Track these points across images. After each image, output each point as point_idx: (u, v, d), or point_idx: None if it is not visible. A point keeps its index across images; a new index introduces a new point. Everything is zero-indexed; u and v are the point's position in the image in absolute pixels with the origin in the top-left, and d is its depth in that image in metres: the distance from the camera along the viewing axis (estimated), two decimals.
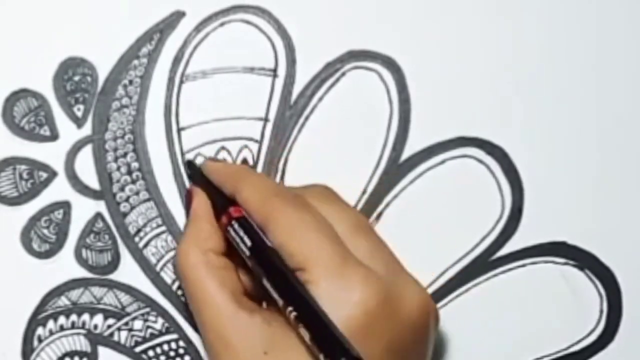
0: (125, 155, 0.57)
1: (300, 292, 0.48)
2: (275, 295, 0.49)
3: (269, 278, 0.50)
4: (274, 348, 0.49)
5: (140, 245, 0.57)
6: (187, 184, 0.57)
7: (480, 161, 0.58)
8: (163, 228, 0.57)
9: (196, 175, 0.56)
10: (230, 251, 0.53)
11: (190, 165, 0.57)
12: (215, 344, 0.50)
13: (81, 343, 0.57)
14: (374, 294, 0.49)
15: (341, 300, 0.48)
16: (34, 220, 0.57)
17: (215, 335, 0.50)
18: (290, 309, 0.48)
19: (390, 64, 0.57)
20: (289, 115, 0.57)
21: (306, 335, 0.47)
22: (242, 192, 0.52)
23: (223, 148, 0.57)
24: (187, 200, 0.55)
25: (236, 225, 0.52)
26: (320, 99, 0.57)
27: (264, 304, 0.53)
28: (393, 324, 0.49)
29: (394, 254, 0.53)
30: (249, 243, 0.51)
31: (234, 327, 0.50)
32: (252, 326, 0.50)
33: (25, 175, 0.57)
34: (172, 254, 0.57)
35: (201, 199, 0.54)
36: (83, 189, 0.57)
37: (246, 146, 0.57)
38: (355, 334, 0.47)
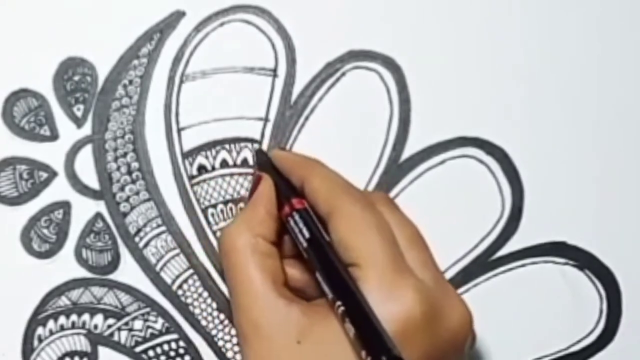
0: (125, 155, 0.57)
1: (352, 287, 0.49)
2: (326, 288, 0.49)
3: (323, 271, 0.50)
4: (308, 339, 0.49)
5: (140, 245, 0.57)
6: (187, 183, 0.57)
7: (480, 161, 0.58)
8: (163, 228, 0.57)
9: (265, 164, 0.56)
10: (280, 243, 0.53)
11: (259, 153, 0.57)
12: (248, 328, 0.50)
13: (81, 343, 0.57)
14: (420, 304, 0.49)
15: (388, 303, 0.49)
16: (34, 220, 0.57)
17: (249, 320, 0.50)
18: (339, 303, 0.48)
19: (390, 64, 0.57)
20: (289, 115, 0.57)
21: (351, 331, 0.48)
22: (312, 181, 0.52)
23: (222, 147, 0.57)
24: (254, 185, 0.55)
25: (297, 216, 0.52)
26: (321, 99, 0.57)
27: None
28: (433, 336, 0.50)
29: (442, 273, 0.53)
30: (307, 235, 0.51)
31: (270, 313, 0.50)
32: (288, 315, 0.50)
33: (25, 175, 0.57)
34: (172, 254, 0.57)
35: (267, 186, 0.54)
36: (83, 189, 0.57)
37: (246, 146, 0.57)
38: (396, 338, 0.48)
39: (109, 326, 0.57)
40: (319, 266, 0.50)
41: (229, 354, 0.57)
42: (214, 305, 0.57)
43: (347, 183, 0.54)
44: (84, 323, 0.57)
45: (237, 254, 0.51)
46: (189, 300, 0.57)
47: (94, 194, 0.57)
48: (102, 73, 0.57)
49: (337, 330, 0.49)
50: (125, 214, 0.57)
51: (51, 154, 0.57)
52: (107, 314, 0.57)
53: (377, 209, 0.52)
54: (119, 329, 0.57)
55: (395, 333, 0.48)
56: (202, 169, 0.57)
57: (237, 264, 0.51)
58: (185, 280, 0.57)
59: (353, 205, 0.51)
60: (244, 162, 0.57)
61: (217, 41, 0.57)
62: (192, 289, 0.57)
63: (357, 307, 0.48)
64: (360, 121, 0.57)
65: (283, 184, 0.54)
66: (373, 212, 0.51)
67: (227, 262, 0.52)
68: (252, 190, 0.55)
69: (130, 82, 0.57)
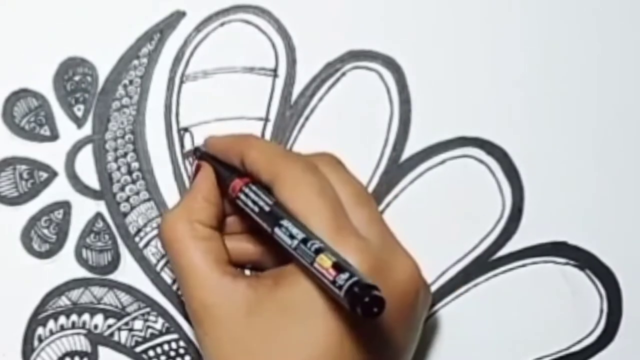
0: (125, 155, 0.57)
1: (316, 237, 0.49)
2: (287, 251, 0.49)
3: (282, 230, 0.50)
4: (257, 311, 0.49)
5: (141, 245, 0.57)
6: (188, 183, 0.57)
7: (481, 161, 0.58)
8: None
9: (203, 157, 0.56)
10: (221, 227, 0.54)
11: (196, 151, 0.56)
12: (198, 310, 0.51)
13: (81, 343, 0.57)
14: (364, 262, 0.49)
15: None
16: (34, 220, 0.57)
17: (198, 301, 0.51)
18: (309, 252, 0.48)
19: (390, 64, 0.57)
20: (289, 115, 0.57)
21: (321, 282, 0.47)
22: (250, 154, 0.53)
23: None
24: (193, 175, 0.55)
25: (242, 196, 0.52)
26: (321, 99, 0.57)
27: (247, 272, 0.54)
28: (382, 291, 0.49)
29: (389, 228, 0.53)
30: (256, 209, 0.51)
31: (216, 292, 0.50)
32: (235, 290, 0.50)
33: (25, 175, 0.57)
34: None
35: (204, 173, 0.54)
36: (83, 189, 0.57)
37: None
38: None
39: (109, 326, 0.57)
40: (274, 234, 0.50)
41: None
42: None
43: (286, 150, 0.54)
44: (84, 323, 0.57)
45: (176, 241, 0.52)
46: None
47: (94, 194, 0.57)
48: (103, 73, 0.57)
49: (284, 300, 0.49)
50: (125, 214, 0.57)
51: (51, 154, 0.57)
52: (107, 314, 0.57)
53: (319, 171, 0.52)
54: (119, 329, 0.57)
55: None
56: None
57: (178, 250, 0.51)
58: None
59: (293, 169, 0.51)
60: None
61: (218, 41, 0.57)
62: None
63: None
64: (360, 121, 0.57)
65: (223, 168, 0.54)
66: (314, 174, 0.51)
67: (169, 249, 0.52)
68: (192, 180, 0.55)
69: (131, 82, 0.57)
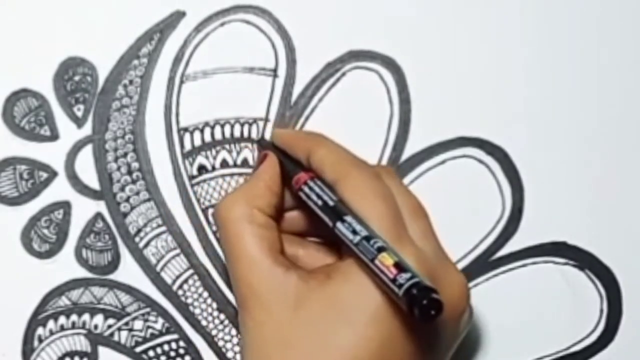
0: (125, 155, 0.57)
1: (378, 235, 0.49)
2: (346, 246, 0.50)
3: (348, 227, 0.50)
4: (306, 305, 0.49)
5: (141, 245, 0.57)
6: (187, 183, 0.57)
7: (481, 161, 0.58)
8: (163, 228, 0.57)
9: (268, 148, 0.56)
10: (279, 219, 0.54)
11: (261, 141, 0.57)
12: (247, 296, 0.51)
13: (81, 343, 0.57)
14: (420, 271, 0.49)
15: None
16: (34, 220, 0.57)
17: (248, 287, 0.51)
18: (372, 249, 0.49)
19: (390, 64, 0.57)
20: (289, 116, 0.57)
21: (378, 279, 0.47)
22: (318, 151, 0.53)
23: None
24: (258, 162, 0.55)
25: (305, 188, 0.52)
26: (321, 99, 0.57)
27: None
28: None
29: (441, 244, 0.53)
30: (319, 202, 0.51)
31: (267, 280, 0.50)
32: (286, 281, 0.50)
33: (25, 175, 0.57)
34: (172, 254, 0.57)
35: (270, 162, 0.54)
36: (83, 189, 0.57)
37: (246, 146, 0.57)
38: None
39: (109, 326, 0.57)
40: (336, 228, 0.50)
41: (229, 354, 0.57)
42: (214, 305, 0.57)
43: (353, 154, 0.54)
44: (84, 323, 0.57)
45: (232, 223, 0.52)
46: (189, 301, 0.57)
47: (94, 194, 0.57)
48: (103, 73, 0.57)
49: (335, 295, 0.49)
50: (125, 214, 0.57)
51: (51, 154, 0.57)
52: (107, 314, 0.57)
53: (381, 178, 0.52)
54: (119, 329, 0.57)
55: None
56: (202, 169, 0.57)
57: (233, 233, 0.51)
58: (186, 281, 0.57)
59: (359, 173, 0.52)
60: (244, 162, 0.57)
61: (217, 41, 0.57)
62: (192, 289, 0.57)
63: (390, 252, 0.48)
64: (360, 121, 0.57)
65: (288, 160, 0.54)
66: (379, 181, 0.52)
67: (224, 231, 0.52)
68: (256, 168, 0.55)
69: (131, 82, 0.57)
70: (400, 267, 0.47)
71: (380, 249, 0.48)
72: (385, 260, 0.47)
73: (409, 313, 0.45)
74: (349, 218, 0.50)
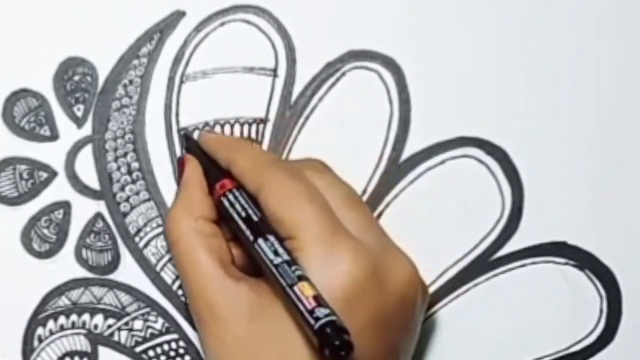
0: (125, 155, 0.57)
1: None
2: (264, 264, 0.49)
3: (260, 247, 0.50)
4: (259, 317, 0.49)
5: (141, 245, 0.57)
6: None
7: (481, 161, 0.58)
8: (163, 228, 0.57)
9: (191, 147, 0.56)
10: (219, 221, 0.53)
11: (186, 137, 0.56)
12: (202, 310, 0.50)
13: (81, 343, 0.57)
14: (362, 265, 0.49)
15: (329, 270, 0.49)
16: (34, 220, 0.57)
17: (202, 301, 0.50)
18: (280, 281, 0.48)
19: (390, 64, 0.57)
20: (289, 115, 0.57)
21: (292, 307, 0.48)
22: (237, 161, 0.53)
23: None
24: (179, 169, 0.55)
25: (230, 196, 0.52)
26: (321, 99, 0.57)
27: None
28: (379, 296, 0.50)
29: (384, 229, 0.53)
30: (242, 214, 0.51)
31: (220, 293, 0.50)
32: (238, 293, 0.50)
33: (25, 175, 0.57)
34: None
35: (194, 167, 0.54)
36: (83, 189, 0.57)
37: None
38: (341, 304, 0.48)
39: (109, 326, 0.57)
40: (255, 243, 0.50)
41: None
42: None
43: (272, 157, 0.54)
44: (84, 323, 0.57)
45: (181, 239, 0.52)
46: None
47: (94, 194, 0.57)
48: (102, 73, 0.57)
49: (284, 305, 0.49)
50: (125, 214, 0.57)
51: (51, 154, 0.57)
52: (107, 314, 0.57)
53: (306, 177, 0.52)
54: (119, 329, 0.57)
55: (340, 297, 0.48)
56: None
57: (183, 249, 0.51)
58: None
59: (279, 177, 0.51)
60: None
61: (217, 41, 0.57)
62: None
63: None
64: (360, 121, 0.57)
65: (211, 165, 0.54)
66: (302, 181, 0.51)
67: (174, 248, 0.52)
68: (180, 175, 0.55)
69: (131, 82, 0.57)
70: (319, 300, 0.47)
71: (301, 277, 0.48)
72: (305, 290, 0.47)
73: (319, 349, 0.46)
74: (271, 237, 0.50)
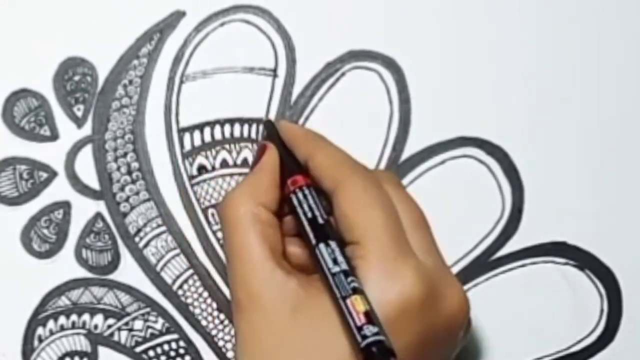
0: (125, 155, 0.57)
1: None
2: (322, 270, 0.49)
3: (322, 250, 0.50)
4: (303, 312, 0.49)
5: (140, 245, 0.57)
6: (187, 183, 0.57)
7: (481, 161, 0.58)
8: (163, 228, 0.57)
9: (272, 136, 0.55)
10: (282, 214, 0.53)
11: (268, 124, 0.56)
12: (244, 296, 0.50)
13: (81, 343, 0.57)
14: (419, 286, 0.49)
15: (387, 284, 0.49)
16: (34, 220, 0.57)
17: (247, 290, 0.50)
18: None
19: (390, 64, 0.57)
20: (289, 115, 0.57)
21: (343, 318, 0.48)
22: (317, 155, 0.52)
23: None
24: (259, 153, 0.54)
25: (299, 194, 0.51)
26: (321, 99, 0.57)
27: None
28: (430, 319, 0.49)
29: (442, 255, 0.53)
30: (309, 214, 0.51)
31: (267, 284, 0.50)
32: (285, 286, 0.49)
33: (25, 175, 0.57)
34: (172, 254, 0.57)
35: (273, 155, 0.54)
36: (83, 189, 0.57)
37: (246, 146, 0.57)
38: (391, 320, 0.48)
39: (109, 326, 0.57)
40: (318, 244, 0.50)
41: (229, 354, 0.57)
42: (214, 305, 0.57)
43: (353, 160, 0.53)
44: (84, 323, 0.57)
45: (238, 222, 0.51)
46: (189, 300, 0.57)
47: (94, 194, 0.57)
48: (102, 73, 0.57)
49: (332, 305, 0.49)
50: (125, 214, 0.57)
51: (51, 154, 0.57)
52: (107, 314, 0.57)
53: (382, 187, 0.51)
54: (119, 329, 0.57)
55: (392, 313, 0.48)
56: (202, 169, 0.57)
57: (238, 232, 0.51)
58: (186, 281, 0.57)
59: (357, 181, 0.51)
60: (244, 162, 0.57)
61: (217, 41, 0.57)
62: (192, 289, 0.57)
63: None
64: (360, 121, 0.57)
65: (288, 157, 0.54)
66: (378, 189, 0.51)
67: (228, 229, 0.51)
68: (257, 159, 0.54)
69: (130, 82, 0.57)
70: (369, 317, 0.47)
71: (356, 290, 0.48)
72: (357, 305, 0.47)
73: None
74: (333, 244, 0.49)
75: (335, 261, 0.49)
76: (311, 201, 0.51)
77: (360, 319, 0.47)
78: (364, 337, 0.46)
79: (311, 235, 0.50)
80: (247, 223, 0.51)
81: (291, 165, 0.53)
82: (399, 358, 0.47)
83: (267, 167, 0.53)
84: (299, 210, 0.51)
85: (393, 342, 0.47)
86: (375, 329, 0.46)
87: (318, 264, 0.49)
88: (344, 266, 0.49)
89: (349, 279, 0.48)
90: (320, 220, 0.51)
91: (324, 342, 0.48)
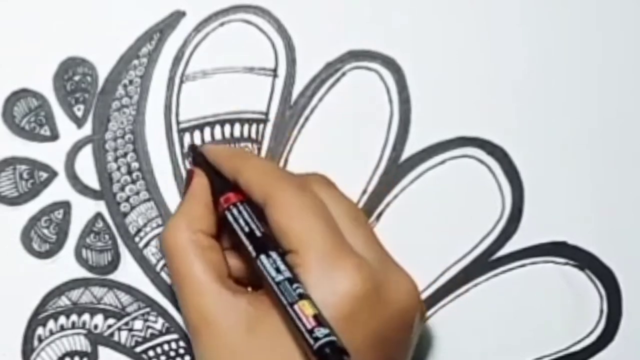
0: (125, 155, 0.57)
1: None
2: (266, 280, 0.49)
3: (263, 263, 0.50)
4: (257, 330, 0.49)
5: (141, 245, 0.57)
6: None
7: (481, 161, 0.58)
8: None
9: (198, 159, 0.56)
10: (220, 235, 0.53)
11: (193, 148, 0.56)
12: (197, 322, 0.50)
13: (81, 343, 0.57)
14: (363, 283, 0.49)
15: (330, 287, 0.49)
16: (34, 220, 0.57)
17: (197, 313, 0.50)
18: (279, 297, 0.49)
19: (390, 64, 0.57)
20: (289, 115, 0.57)
21: (291, 322, 0.48)
22: (244, 172, 0.52)
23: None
24: (187, 180, 0.55)
25: (234, 210, 0.52)
26: (321, 99, 0.57)
27: (249, 289, 0.53)
28: (380, 313, 0.50)
29: (384, 247, 0.53)
30: (246, 229, 0.51)
31: (216, 305, 0.50)
32: (235, 306, 0.50)
33: (25, 175, 0.57)
34: None
35: (201, 180, 0.54)
36: (83, 189, 0.57)
37: (246, 146, 0.57)
38: (340, 320, 0.48)
39: (109, 326, 0.57)
40: (258, 258, 0.50)
41: None
42: None
43: (280, 170, 0.54)
44: (84, 323, 0.57)
45: (179, 251, 0.52)
46: None
47: (94, 194, 0.57)
48: (103, 73, 0.57)
49: (285, 320, 0.49)
50: (125, 214, 0.57)
51: (51, 154, 0.57)
52: (107, 314, 0.57)
53: (312, 191, 0.52)
54: (119, 329, 0.57)
55: (340, 314, 0.48)
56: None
57: (180, 261, 0.51)
58: None
59: (286, 190, 0.51)
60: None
61: (217, 41, 0.57)
62: None
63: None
64: (360, 121, 0.57)
65: (218, 178, 0.54)
66: (308, 195, 0.51)
67: (171, 259, 0.52)
68: (187, 186, 0.55)
69: (131, 82, 0.57)
70: (319, 320, 0.47)
71: (302, 296, 0.48)
72: (306, 309, 0.48)
73: None
74: (274, 254, 0.50)
75: (278, 270, 0.49)
76: (246, 215, 0.52)
77: (310, 322, 0.47)
78: (316, 339, 0.47)
79: (250, 248, 0.51)
80: (188, 251, 0.51)
81: (222, 185, 0.53)
82: (357, 356, 0.47)
83: (197, 192, 0.54)
84: (235, 226, 0.52)
85: (348, 341, 0.47)
86: (326, 331, 0.47)
87: (262, 276, 0.50)
88: (287, 274, 0.49)
89: (294, 285, 0.49)
90: (258, 233, 0.51)
91: (283, 356, 0.49)
